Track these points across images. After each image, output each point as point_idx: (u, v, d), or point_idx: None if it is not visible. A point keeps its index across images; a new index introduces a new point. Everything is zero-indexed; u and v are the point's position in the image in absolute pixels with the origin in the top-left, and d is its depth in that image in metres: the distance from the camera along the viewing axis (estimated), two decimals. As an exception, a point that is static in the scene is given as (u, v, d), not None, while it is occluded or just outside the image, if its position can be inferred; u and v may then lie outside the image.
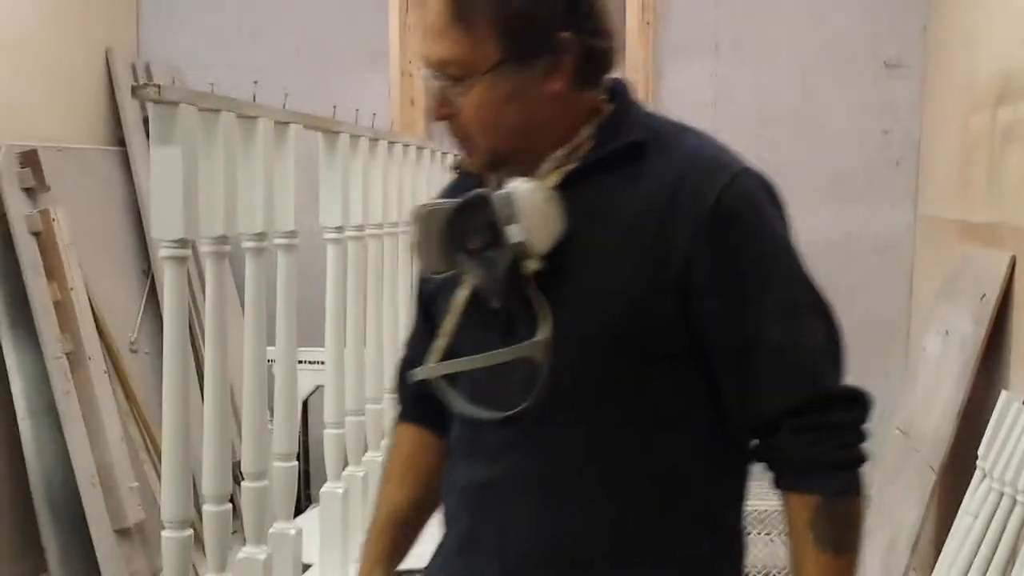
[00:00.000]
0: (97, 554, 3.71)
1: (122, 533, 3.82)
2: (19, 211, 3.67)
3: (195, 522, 2.36)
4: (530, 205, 1.21)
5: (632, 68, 4.13)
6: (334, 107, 1.96)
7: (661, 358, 1.25)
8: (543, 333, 1.24)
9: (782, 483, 1.26)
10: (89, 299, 3.84)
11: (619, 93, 1.33)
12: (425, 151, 2.55)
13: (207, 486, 1.46)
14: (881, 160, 4.27)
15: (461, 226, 1.25)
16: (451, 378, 1.32)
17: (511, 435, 1.27)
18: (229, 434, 1.44)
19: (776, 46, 4.30)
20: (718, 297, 1.23)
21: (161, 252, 1.35)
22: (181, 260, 1.35)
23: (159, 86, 1.25)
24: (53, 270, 3.70)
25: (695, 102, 4.36)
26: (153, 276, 4.30)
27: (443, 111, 1.26)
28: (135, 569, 3.87)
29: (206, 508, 1.47)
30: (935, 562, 2.76)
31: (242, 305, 1.58)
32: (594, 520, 1.27)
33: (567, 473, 1.28)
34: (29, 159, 3.72)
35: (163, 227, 1.33)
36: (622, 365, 1.25)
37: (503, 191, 1.23)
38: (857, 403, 1.28)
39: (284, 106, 1.64)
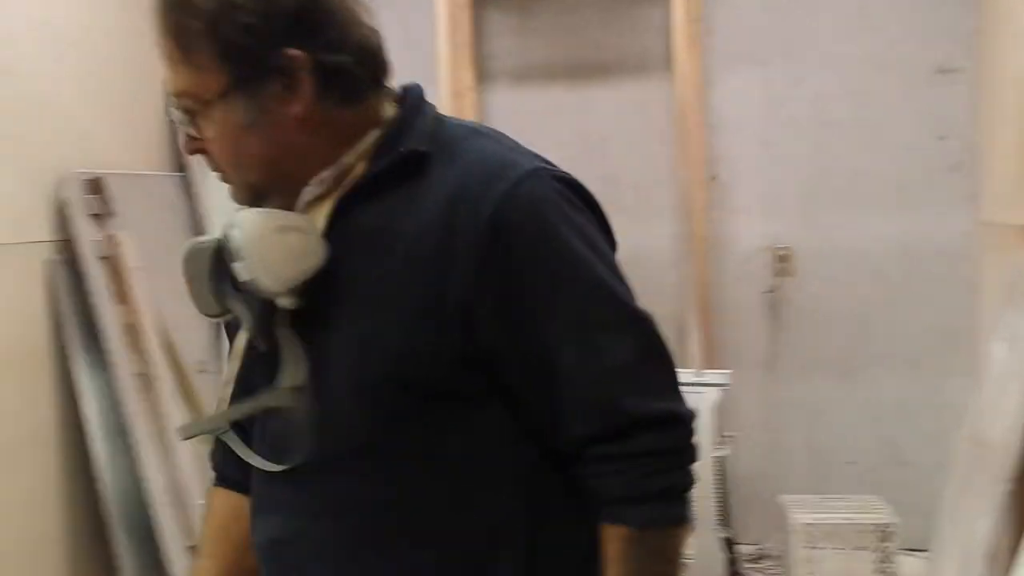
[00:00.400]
0: (170, 571, 3.79)
1: (194, 549, 3.90)
2: (87, 237, 3.79)
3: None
4: (252, 239, 1.10)
5: (681, 79, 4.14)
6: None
7: (457, 399, 1.13)
8: (290, 379, 1.12)
9: (594, 514, 1.15)
10: (159, 321, 3.95)
11: (406, 102, 1.23)
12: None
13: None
14: (938, 166, 4.21)
15: (224, 264, 1.15)
16: (244, 430, 1.23)
17: (298, 490, 1.17)
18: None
19: (827, 53, 4.28)
20: (507, 324, 1.10)
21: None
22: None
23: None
24: (122, 294, 3.82)
25: (746, 112, 4.36)
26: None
27: (191, 145, 1.19)
28: None
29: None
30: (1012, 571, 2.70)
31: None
32: None
33: (364, 532, 1.15)
34: (95, 186, 3.85)
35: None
36: (410, 412, 1.12)
37: (228, 225, 1.12)
38: (669, 425, 1.14)
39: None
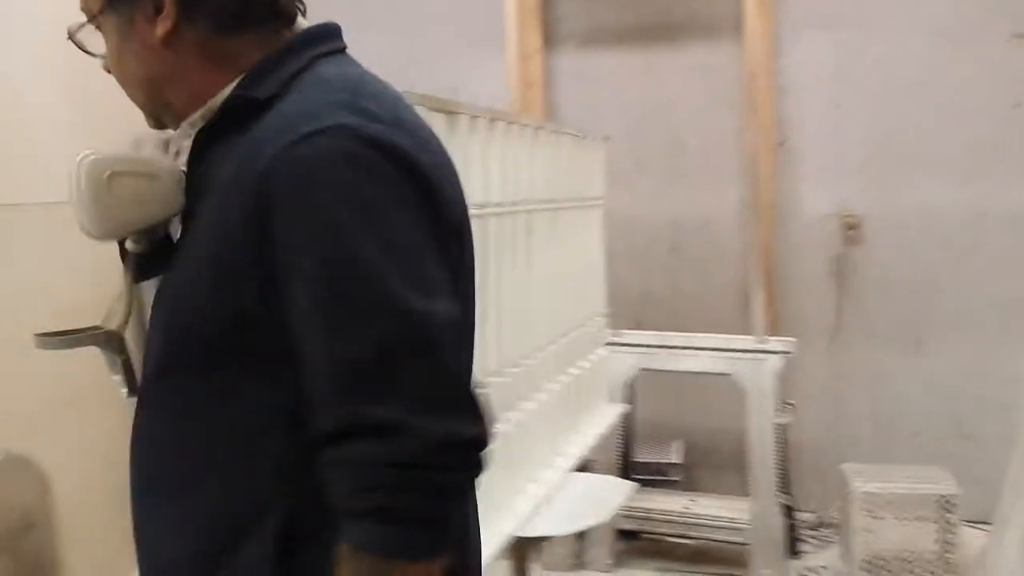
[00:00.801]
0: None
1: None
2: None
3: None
4: (79, 186, 1.06)
5: (751, 41, 4.09)
6: (455, 89, 2.04)
7: (242, 366, 1.04)
8: (114, 320, 1.12)
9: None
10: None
11: (293, 42, 1.14)
12: (542, 131, 2.61)
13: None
14: (1011, 133, 4.13)
15: None
16: None
17: (134, 424, 1.15)
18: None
19: (899, 17, 4.20)
20: (269, 291, 1.00)
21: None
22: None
23: (293, 71, 1.34)
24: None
25: (817, 76, 4.30)
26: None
27: (102, 64, 1.18)
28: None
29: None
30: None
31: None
32: (169, 531, 1.11)
33: (146, 475, 1.13)
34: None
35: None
36: (195, 365, 1.06)
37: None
38: (393, 438, 0.96)
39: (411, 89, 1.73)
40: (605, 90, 4.58)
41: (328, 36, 1.17)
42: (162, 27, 1.10)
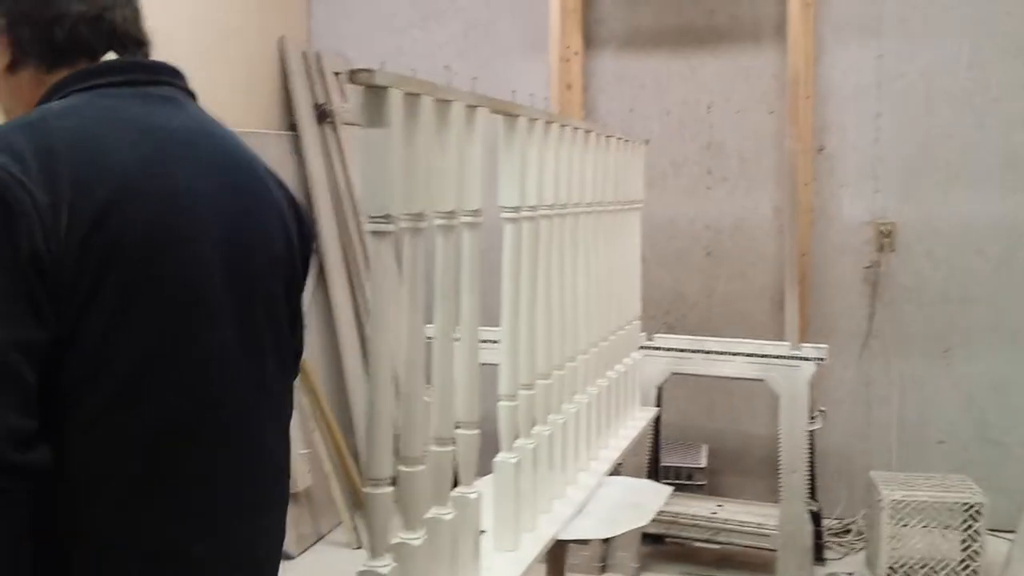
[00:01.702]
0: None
1: (292, 497, 4.03)
2: (204, 192, 3.91)
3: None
4: None
5: (793, 47, 4.08)
6: (513, 92, 2.04)
7: None
8: None
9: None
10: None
11: (75, 75, 1.25)
12: (592, 134, 2.61)
13: (368, 469, 1.52)
14: (1052, 145, 4.11)
15: None
16: None
17: None
18: (390, 418, 1.50)
19: (942, 25, 4.18)
20: None
21: (368, 227, 1.44)
22: (386, 235, 1.45)
23: (372, 71, 1.34)
24: (234, 248, 3.93)
25: (858, 83, 4.29)
26: (321, 256, 4.50)
27: None
28: (302, 532, 4.08)
29: (367, 490, 1.51)
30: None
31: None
32: None
33: None
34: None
35: (371, 203, 1.43)
36: None
37: None
38: None
39: (473, 89, 1.73)
40: (644, 92, 4.57)
41: (105, 71, 1.27)
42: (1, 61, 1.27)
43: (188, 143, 1.27)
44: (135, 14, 1.36)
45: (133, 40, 1.33)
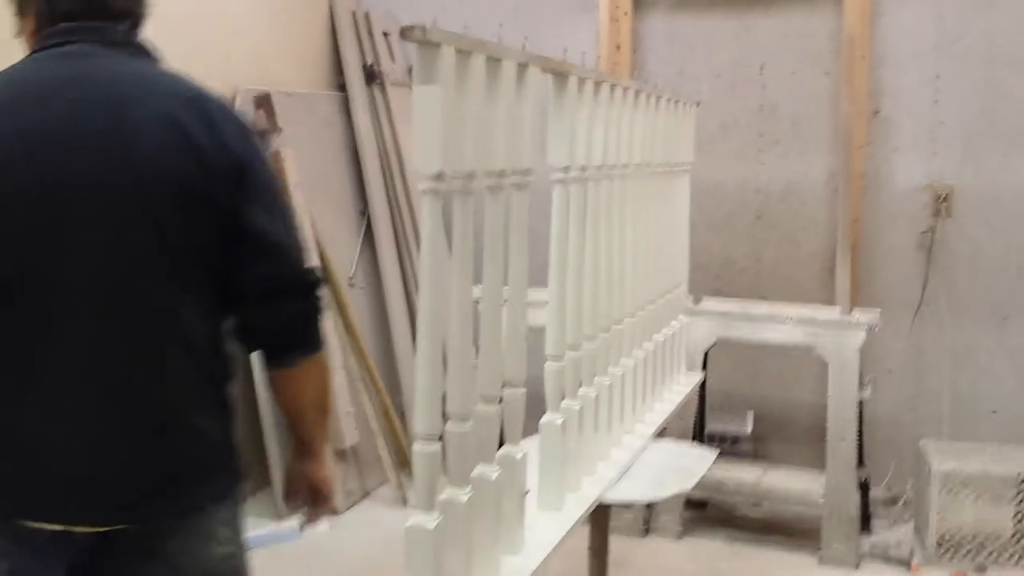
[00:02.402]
0: (317, 473, 3.98)
1: (338, 454, 4.08)
2: (254, 151, 3.93)
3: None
4: None
5: (850, 8, 4.00)
6: (564, 51, 2.02)
7: None
8: None
9: None
10: (315, 235, 4.08)
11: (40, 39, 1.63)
12: (642, 95, 2.58)
13: (417, 425, 1.54)
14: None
15: None
16: None
17: None
18: (439, 373, 1.52)
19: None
20: None
21: (421, 185, 1.44)
22: (438, 193, 1.45)
23: (424, 27, 1.34)
24: (283, 207, 3.96)
25: (916, 46, 4.20)
26: (369, 216, 4.51)
27: None
28: (349, 488, 4.14)
29: (415, 446, 1.53)
30: None
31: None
32: None
33: None
34: (262, 103, 3.98)
35: (424, 161, 1.42)
36: None
37: None
38: None
39: (524, 48, 1.71)
40: (694, 53, 4.51)
41: (44, 39, 1.61)
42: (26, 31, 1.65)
43: (46, 89, 1.55)
44: None
45: (97, 13, 1.60)
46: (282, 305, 1.60)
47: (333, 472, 1.86)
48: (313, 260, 1.64)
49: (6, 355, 1.51)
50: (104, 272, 1.49)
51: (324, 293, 1.66)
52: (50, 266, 1.48)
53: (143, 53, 1.64)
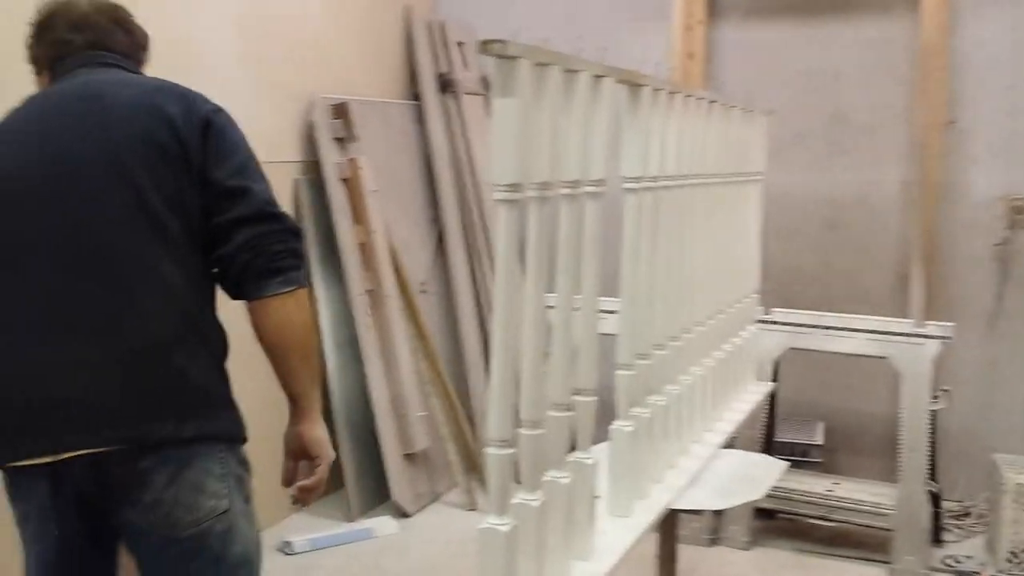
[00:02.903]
0: (388, 475, 4.05)
1: (409, 458, 4.14)
2: (331, 159, 4.02)
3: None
4: None
5: (927, 17, 3.95)
6: (640, 62, 2.05)
7: None
8: None
9: None
10: (388, 242, 4.15)
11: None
12: (714, 104, 2.59)
13: (491, 430, 1.56)
14: None
15: None
16: None
17: None
18: (513, 380, 1.54)
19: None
20: None
21: (496, 195, 1.48)
22: (514, 203, 1.48)
23: (504, 41, 1.37)
24: (358, 214, 4.04)
25: (993, 55, 4.14)
26: (441, 224, 4.57)
27: None
28: (419, 492, 4.19)
29: (489, 451, 1.56)
30: None
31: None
32: None
33: None
34: (340, 111, 4.06)
35: (500, 171, 1.46)
36: None
37: None
38: None
39: (599, 59, 1.74)
40: (767, 62, 4.50)
41: (64, 69, 1.90)
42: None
43: (51, 97, 1.85)
44: (102, 34, 1.93)
45: (101, 48, 1.93)
46: (245, 232, 1.75)
47: (325, 434, 1.90)
48: (284, 209, 1.87)
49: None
50: (88, 229, 1.69)
51: (294, 234, 1.82)
52: (41, 228, 1.70)
53: (134, 70, 1.95)
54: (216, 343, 1.81)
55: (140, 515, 1.71)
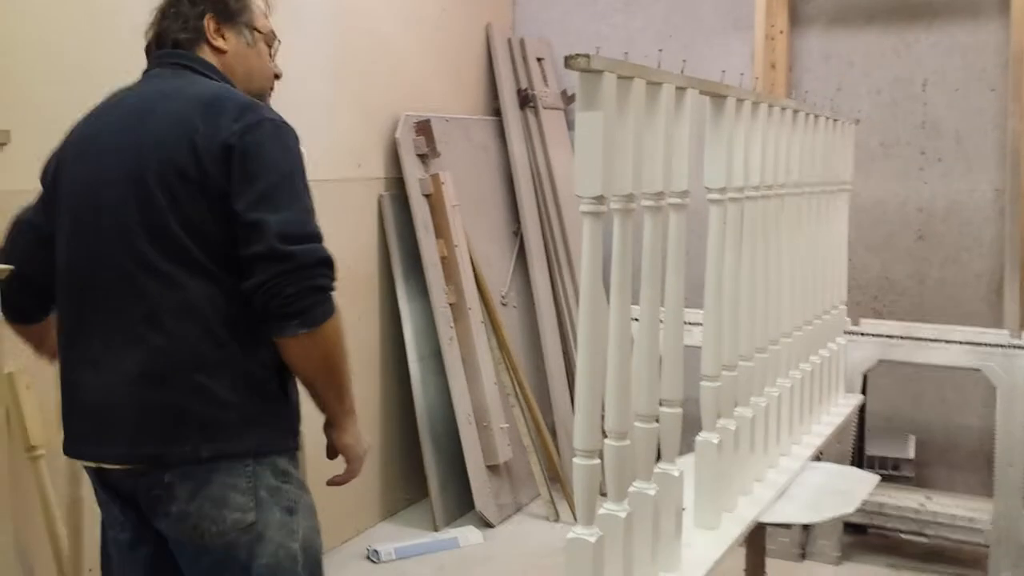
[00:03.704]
0: (471, 486, 4.08)
1: (492, 469, 4.17)
2: (414, 175, 4.08)
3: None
4: None
5: (1018, 22, 3.87)
6: (722, 72, 2.04)
7: None
8: None
9: None
10: (470, 256, 4.20)
11: None
12: (799, 114, 2.57)
13: (577, 440, 1.57)
14: None
15: None
16: None
17: None
18: (598, 391, 1.55)
19: None
20: None
21: (581, 208, 1.49)
22: (598, 216, 1.49)
23: (588, 56, 1.39)
24: (441, 228, 4.09)
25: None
26: (522, 237, 4.60)
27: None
28: (502, 502, 4.21)
29: (576, 461, 1.55)
30: None
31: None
32: None
33: None
34: (423, 128, 4.12)
35: (585, 185, 1.47)
36: None
37: None
38: None
39: (682, 72, 1.75)
40: (852, 71, 4.43)
41: (149, 62, 1.97)
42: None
43: (122, 102, 1.88)
44: (176, 24, 1.92)
45: (170, 42, 1.92)
46: (259, 272, 1.71)
47: (356, 440, 1.92)
48: (314, 242, 1.77)
49: (65, 316, 1.86)
50: (118, 248, 1.76)
51: (311, 267, 1.73)
52: (89, 247, 1.79)
53: (201, 71, 1.90)
54: (249, 362, 1.78)
55: (171, 527, 1.76)
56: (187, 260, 1.74)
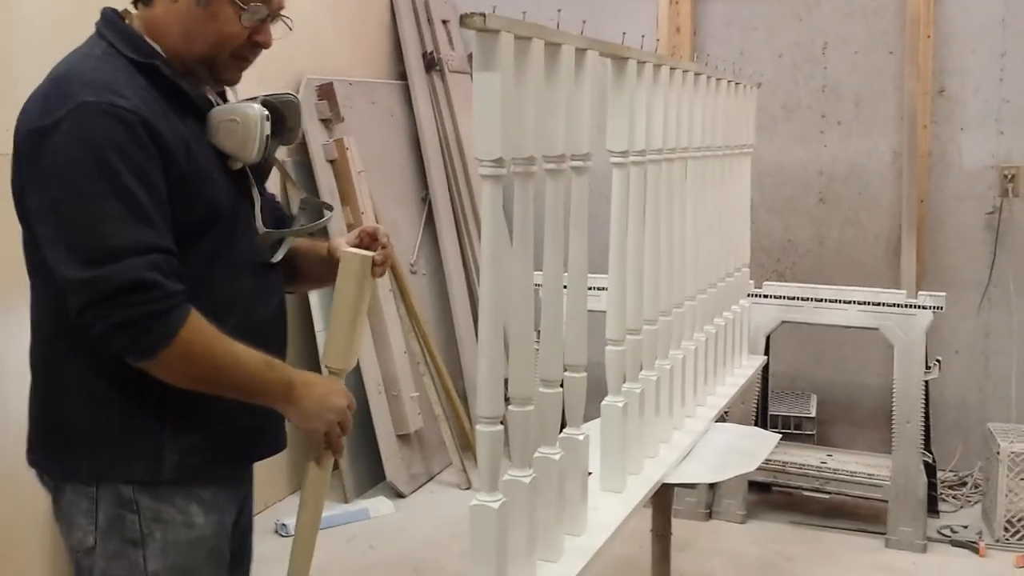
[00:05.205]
0: (381, 456, 4.05)
1: (403, 438, 4.14)
2: (317, 140, 3.99)
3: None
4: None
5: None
6: (623, 34, 2.03)
7: None
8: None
9: None
10: (378, 223, 4.13)
11: None
12: (701, 77, 2.57)
13: (480, 408, 1.55)
14: None
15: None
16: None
17: (278, 278, 1.80)
18: (501, 358, 1.53)
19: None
20: None
21: (481, 171, 1.46)
22: (498, 179, 1.47)
23: (484, 15, 1.35)
24: (346, 195, 4.02)
25: (982, 23, 4.12)
26: (430, 203, 4.55)
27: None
28: (414, 472, 4.19)
29: (478, 428, 1.55)
30: None
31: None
32: None
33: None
34: (326, 92, 4.02)
35: (484, 147, 1.44)
36: None
37: None
38: None
39: (582, 33, 1.72)
40: (755, 35, 4.47)
41: None
42: None
43: None
44: None
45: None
46: (71, 300, 1.50)
47: (304, 418, 1.69)
48: (114, 262, 1.46)
49: None
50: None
51: (120, 299, 1.46)
52: None
53: (104, 35, 1.62)
54: (98, 379, 1.59)
55: (65, 533, 1.71)
56: (33, 263, 1.61)
